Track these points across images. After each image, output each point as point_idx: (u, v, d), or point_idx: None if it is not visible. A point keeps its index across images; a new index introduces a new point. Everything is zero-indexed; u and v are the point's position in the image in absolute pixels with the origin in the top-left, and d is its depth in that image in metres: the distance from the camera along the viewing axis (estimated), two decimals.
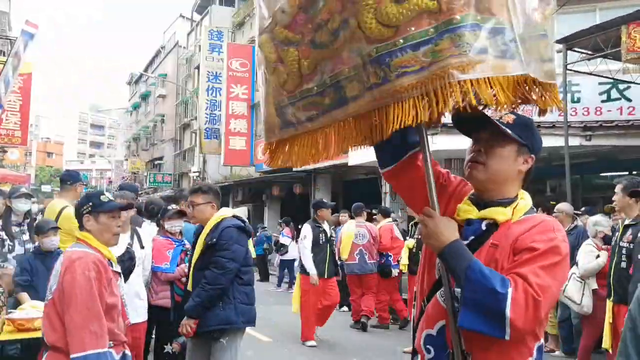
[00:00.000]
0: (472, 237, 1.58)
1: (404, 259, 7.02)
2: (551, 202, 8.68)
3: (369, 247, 7.67)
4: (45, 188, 40.88)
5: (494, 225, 1.58)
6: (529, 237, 1.50)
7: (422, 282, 1.73)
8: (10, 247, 4.56)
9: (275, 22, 1.70)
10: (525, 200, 1.64)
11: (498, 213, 1.58)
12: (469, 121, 1.61)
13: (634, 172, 9.26)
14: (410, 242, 6.94)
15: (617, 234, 4.35)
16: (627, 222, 4.19)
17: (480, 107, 1.51)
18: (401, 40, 1.38)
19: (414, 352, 1.70)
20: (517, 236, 1.52)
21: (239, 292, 3.53)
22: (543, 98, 1.52)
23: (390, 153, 1.77)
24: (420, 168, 1.70)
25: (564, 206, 6.36)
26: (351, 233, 7.76)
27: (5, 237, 4.59)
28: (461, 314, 1.43)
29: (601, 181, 11.20)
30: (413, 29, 1.36)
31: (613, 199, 4.50)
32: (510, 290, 1.39)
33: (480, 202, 1.63)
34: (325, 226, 6.93)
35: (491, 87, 1.35)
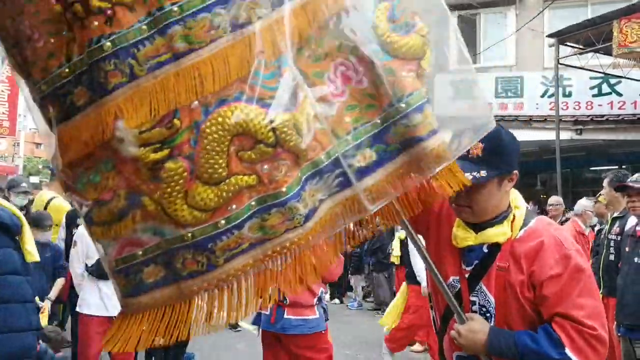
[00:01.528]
0: (476, 262, 1.56)
1: (396, 251, 7.03)
2: (541, 196, 8.75)
3: None
4: (34, 179, 40.42)
5: (495, 245, 1.54)
6: (545, 266, 1.46)
7: (436, 293, 1.70)
8: None
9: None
10: (520, 209, 1.59)
11: (498, 235, 1.53)
12: None
13: (624, 166, 9.35)
14: (403, 234, 6.96)
15: (605, 226, 4.41)
16: (615, 215, 4.24)
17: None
18: (223, 222, 1.22)
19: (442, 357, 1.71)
20: (524, 260, 1.49)
21: None
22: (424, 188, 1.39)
23: None
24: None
25: (554, 200, 6.55)
26: None
27: None
28: None
29: (591, 175, 11.30)
30: (234, 207, 1.22)
31: (601, 192, 4.55)
32: (566, 349, 1.40)
33: (475, 224, 1.57)
34: None
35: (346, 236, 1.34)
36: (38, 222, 4.27)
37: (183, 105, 1.17)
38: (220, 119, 1.18)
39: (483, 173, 1.48)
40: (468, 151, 1.49)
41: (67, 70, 1.19)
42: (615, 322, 3.60)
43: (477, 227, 1.56)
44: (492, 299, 1.53)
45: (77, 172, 1.26)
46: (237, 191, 1.22)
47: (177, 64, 1.16)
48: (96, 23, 1.14)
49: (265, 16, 1.21)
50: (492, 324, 1.52)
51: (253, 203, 1.23)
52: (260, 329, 3.46)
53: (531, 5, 10.68)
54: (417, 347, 6.35)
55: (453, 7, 11.49)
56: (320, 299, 3.47)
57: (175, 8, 1.15)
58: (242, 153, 1.21)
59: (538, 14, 9.97)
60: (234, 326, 6.55)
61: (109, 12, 1.14)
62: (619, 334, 3.56)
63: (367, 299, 9.27)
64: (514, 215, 1.57)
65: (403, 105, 1.27)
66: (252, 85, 1.20)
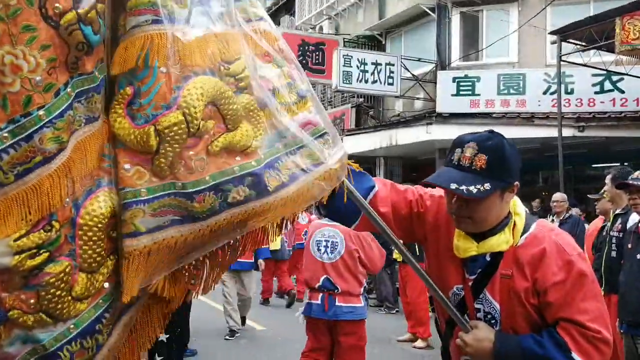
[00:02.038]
0: (480, 270, 1.57)
1: None
2: (543, 193, 8.72)
3: (287, 234, 8.69)
4: None
5: (498, 253, 1.55)
6: (548, 273, 1.47)
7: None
8: None
9: None
10: (520, 215, 1.59)
11: (500, 244, 1.53)
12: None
13: (626, 164, 9.35)
14: None
15: (607, 224, 4.41)
16: (617, 211, 4.24)
17: None
18: (101, 301, 1.26)
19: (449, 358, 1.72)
20: (527, 267, 1.50)
21: None
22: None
23: (347, 212, 1.64)
24: (385, 213, 1.62)
25: (559, 196, 6.60)
26: None
27: None
28: None
29: (593, 172, 11.29)
30: (107, 285, 1.27)
31: (604, 189, 4.55)
32: (573, 353, 1.43)
33: (476, 233, 1.57)
34: None
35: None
36: None
37: (58, 208, 1.15)
38: (94, 211, 1.21)
39: (487, 186, 1.47)
40: (471, 162, 1.49)
41: None
42: (617, 319, 3.61)
43: (478, 237, 1.56)
44: (497, 306, 1.54)
45: None
46: (112, 269, 1.25)
47: (49, 166, 1.14)
48: None
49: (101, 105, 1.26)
50: (497, 329, 1.54)
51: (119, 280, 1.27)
52: (306, 318, 3.87)
53: (533, 2, 10.64)
54: (420, 343, 6.38)
55: (456, 4, 11.47)
56: (365, 289, 3.84)
57: (41, 112, 1.11)
58: (112, 233, 1.24)
59: (540, 11, 9.94)
60: (232, 334, 6.44)
61: None
62: (621, 331, 3.57)
63: (370, 296, 9.29)
64: (514, 222, 1.57)
65: (122, 199, 1.25)
66: (107, 169, 1.25)
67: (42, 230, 1.14)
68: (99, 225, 1.21)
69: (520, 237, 1.55)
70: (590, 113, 9.61)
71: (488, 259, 1.56)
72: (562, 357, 1.43)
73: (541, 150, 10.04)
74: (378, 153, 12.55)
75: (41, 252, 1.14)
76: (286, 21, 19.47)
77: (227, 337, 6.39)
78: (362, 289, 3.80)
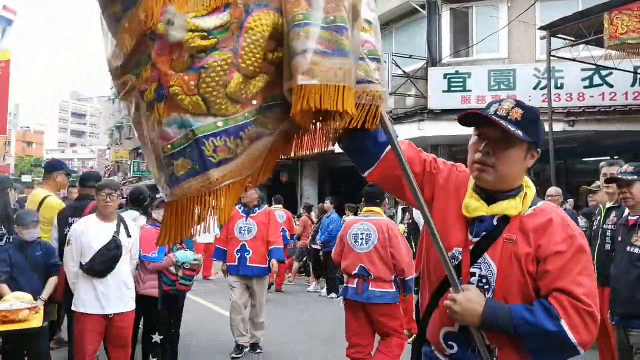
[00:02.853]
0: (484, 233, 1.59)
1: None
2: (536, 188, 8.64)
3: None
4: (26, 178, 40.15)
5: (505, 218, 1.58)
6: (552, 242, 1.51)
7: (428, 271, 1.71)
8: None
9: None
10: (530, 188, 1.65)
11: (510, 208, 1.58)
12: (475, 118, 1.60)
13: (616, 157, 9.42)
14: (401, 228, 6.97)
15: (599, 217, 4.43)
16: (609, 205, 4.27)
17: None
18: (247, 114, 1.37)
19: (424, 340, 1.71)
20: (532, 234, 1.53)
21: None
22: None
23: (366, 155, 1.71)
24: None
25: (554, 191, 6.63)
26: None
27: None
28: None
29: (584, 166, 11.37)
30: (255, 102, 1.38)
31: (598, 182, 4.58)
32: (562, 321, 1.44)
33: (488, 194, 1.61)
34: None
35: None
36: (20, 220, 4.19)
37: (233, 2, 1.32)
38: (261, 19, 1.33)
39: (520, 133, 1.54)
40: (508, 113, 1.57)
41: None
42: (609, 312, 3.63)
43: (490, 200, 1.60)
44: (495, 269, 1.54)
45: (128, 66, 1.38)
46: (260, 88, 1.37)
47: None
48: None
49: None
50: (489, 296, 1.54)
51: (263, 104, 1.38)
52: (344, 300, 4.31)
53: None
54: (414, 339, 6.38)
55: (446, 1, 11.49)
56: (396, 276, 4.23)
57: None
58: (269, 54, 1.37)
59: (529, 7, 9.99)
60: (239, 350, 5.60)
61: None
62: (613, 323, 3.59)
63: None
64: (525, 193, 1.62)
65: (289, 24, 1.39)
66: None
67: (216, 17, 1.30)
68: (264, 34, 1.33)
69: (528, 208, 1.60)
70: (580, 108, 9.68)
71: (495, 223, 1.58)
72: (551, 324, 1.44)
73: None
74: None
75: (210, 37, 1.29)
76: None
77: (233, 355, 5.48)
78: (393, 277, 4.21)
